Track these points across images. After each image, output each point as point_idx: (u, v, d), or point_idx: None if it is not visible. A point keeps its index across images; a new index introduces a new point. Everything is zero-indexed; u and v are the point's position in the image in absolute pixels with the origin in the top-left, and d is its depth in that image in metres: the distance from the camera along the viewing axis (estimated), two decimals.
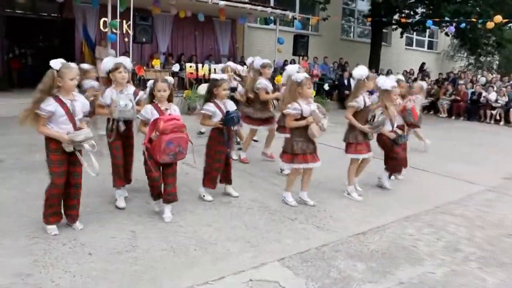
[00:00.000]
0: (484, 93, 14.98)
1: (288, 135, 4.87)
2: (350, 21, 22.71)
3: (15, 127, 6.35)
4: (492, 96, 14.61)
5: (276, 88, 6.70)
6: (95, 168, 3.69)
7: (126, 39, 12.57)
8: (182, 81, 13.96)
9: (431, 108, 16.12)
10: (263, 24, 17.33)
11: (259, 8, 14.51)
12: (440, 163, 7.42)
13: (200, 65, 14.16)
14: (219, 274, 3.24)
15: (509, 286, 3.36)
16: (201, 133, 8.53)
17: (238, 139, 7.39)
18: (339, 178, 5.60)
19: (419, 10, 19.56)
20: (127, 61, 4.54)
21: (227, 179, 5.01)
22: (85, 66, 6.22)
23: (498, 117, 14.49)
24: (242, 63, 15.78)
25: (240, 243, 3.81)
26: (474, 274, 3.48)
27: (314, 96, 7.43)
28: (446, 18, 16.61)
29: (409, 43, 25.00)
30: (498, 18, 14.64)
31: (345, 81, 15.82)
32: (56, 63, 3.57)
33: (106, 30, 12.44)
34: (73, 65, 3.66)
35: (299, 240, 3.93)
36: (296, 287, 3.15)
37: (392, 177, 6.05)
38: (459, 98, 15.61)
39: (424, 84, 7.47)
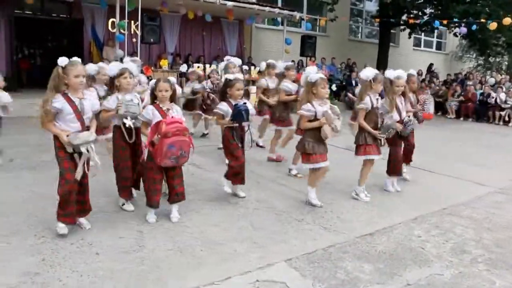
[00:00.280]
0: (493, 94, 14.86)
1: None
2: (358, 22, 22.64)
3: (24, 127, 6.44)
4: (501, 97, 14.49)
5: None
6: (97, 164, 3.71)
7: (134, 40, 12.64)
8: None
9: (439, 109, 16.03)
10: (271, 24, 17.32)
11: (267, 8, 14.51)
12: (448, 164, 7.37)
13: (208, 66, 14.19)
14: (226, 274, 3.23)
15: None
16: (204, 134, 8.55)
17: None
18: (346, 179, 5.58)
19: (428, 10, 19.44)
20: (133, 67, 4.44)
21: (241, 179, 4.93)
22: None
23: (507, 118, 14.37)
24: (250, 63, 15.83)
25: (247, 243, 3.81)
26: (482, 276, 3.45)
27: None
28: (455, 20, 16.50)
29: (417, 43, 24.88)
30: (507, 20, 14.52)
31: (353, 82, 15.78)
32: (62, 61, 3.60)
33: (114, 30, 12.50)
34: (78, 62, 3.66)
35: (306, 241, 3.92)
36: None
37: (407, 176, 6.04)
38: (467, 99, 15.51)
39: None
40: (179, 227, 4.08)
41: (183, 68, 10.12)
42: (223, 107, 4.72)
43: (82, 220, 3.91)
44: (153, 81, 4.28)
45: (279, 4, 17.75)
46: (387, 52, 20.38)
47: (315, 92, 4.53)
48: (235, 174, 4.82)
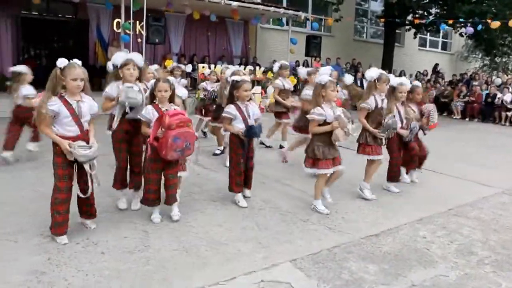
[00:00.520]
0: (499, 95, 14.78)
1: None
2: (363, 22, 22.60)
3: (28, 126, 6.45)
4: (508, 97, 14.40)
5: None
6: (97, 180, 3.70)
7: (139, 40, 12.67)
8: (194, 81, 14.03)
9: (445, 109, 15.97)
10: (276, 25, 17.33)
11: (272, 8, 14.52)
12: (453, 164, 7.34)
13: (212, 66, 14.22)
14: (230, 274, 3.24)
15: None
16: (204, 133, 8.52)
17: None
18: (351, 179, 5.57)
19: (433, 10, 19.37)
20: (138, 58, 4.37)
21: (246, 183, 4.89)
22: (153, 67, 6.19)
23: None
24: (255, 63, 15.84)
25: (252, 243, 3.81)
26: (488, 278, 3.43)
27: None
28: (461, 20, 16.42)
29: (422, 43, 24.81)
30: None
31: (358, 82, 15.75)
32: (61, 62, 3.50)
33: (120, 31, 12.55)
34: (77, 65, 3.53)
35: (311, 241, 3.91)
36: None
37: (408, 179, 6.03)
38: (473, 99, 15.43)
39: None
40: (184, 227, 4.09)
41: (188, 68, 10.15)
42: (231, 111, 4.64)
43: (87, 221, 3.91)
44: (152, 81, 4.25)
45: (284, 4, 17.75)
46: (392, 52, 20.34)
47: (324, 95, 4.49)
48: (238, 184, 4.76)
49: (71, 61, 3.55)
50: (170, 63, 12.91)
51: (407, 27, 20.21)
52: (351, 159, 5.37)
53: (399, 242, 4.02)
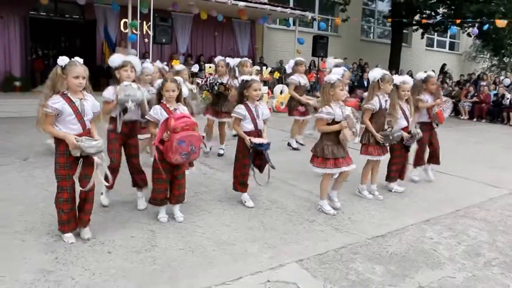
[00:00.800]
0: (507, 95, 14.67)
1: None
2: (370, 22, 22.54)
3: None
4: None
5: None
6: (108, 177, 3.70)
7: (146, 40, 12.73)
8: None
9: (452, 110, 15.83)
10: (283, 25, 17.32)
11: (279, 9, 14.52)
12: (460, 165, 7.30)
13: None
14: (237, 274, 3.24)
15: None
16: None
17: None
18: (358, 180, 5.55)
19: (441, 10, 19.27)
20: (136, 61, 4.39)
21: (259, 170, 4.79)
22: (178, 67, 6.18)
23: None
24: (262, 63, 15.83)
25: (258, 243, 3.81)
26: (496, 280, 3.41)
27: None
28: (469, 20, 16.31)
29: (430, 43, 24.70)
30: None
31: (365, 82, 15.71)
32: (62, 60, 3.48)
33: (127, 31, 12.61)
34: (78, 63, 3.50)
35: (317, 242, 3.91)
36: None
37: (417, 177, 6.03)
38: (481, 100, 15.33)
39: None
40: (190, 226, 4.10)
41: (195, 68, 10.15)
42: (241, 111, 4.62)
43: (81, 229, 3.73)
44: (160, 80, 4.28)
45: (291, 4, 17.74)
46: (399, 52, 20.26)
47: (332, 94, 4.48)
48: (242, 184, 4.75)
49: (72, 59, 3.54)
50: (177, 63, 12.98)
51: (414, 27, 20.13)
52: (356, 160, 5.35)
53: (406, 243, 4.01)
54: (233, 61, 6.99)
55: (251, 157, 4.59)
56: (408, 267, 3.53)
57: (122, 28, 13.86)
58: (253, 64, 11.76)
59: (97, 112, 3.72)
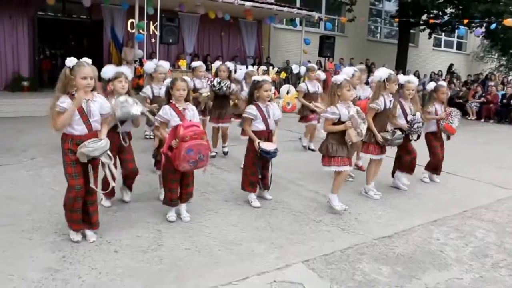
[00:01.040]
0: None
1: None
2: (377, 22, 22.46)
3: (45, 125, 6.54)
4: None
5: None
6: (114, 175, 3.71)
7: (153, 40, 12.77)
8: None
9: (460, 110, 15.75)
10: (289, 25, 17.31)
11: (285, 9, 14.51)
12: (467, 166, 7.25)
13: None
14: (243, 274, 3.24)
15: None
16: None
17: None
18: (364, 180, 5.53)
19: (448, 10, 19.17)
20: (128, 71, 4.40)
21: (264, 185, 4.87)
22: (194, 63, 6.32)
23: None
24: (268, 63, 15.83)
25: (264, 244, 3.81)
26: (504, 282, 3.38)
27: None
28: (476, 20, 16.20)
29: (437, 44, 24.57)
30: None
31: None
32: (70, 61, 3.47)
33: (134, 31, 12.66)
34: (86, 63, 3.48)
35: (324, 242, 3.90)
36: None
37: (427, 179, 6.04)
38: (489, 100, 15.22)
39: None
40: (197, 226, 4.10)
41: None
42: (252, 111, 4.62)
43: (87, 231, 3.70)
44: (169, 79, 4.29)
45: (298, 5, 17.72)
46: (406, 52, 20.18)
47: (339, 94, 4.48)
48: (251, 184, 4.75)
49: (80, 59, 3.53)
50: (184, 63, 13.02)
51: (422, 27, 20.03)
52: (363, 160, 5.34)
53: (413, 244, 3.99)
54: (239, 74, 7.11)
55: (259, 165, 4.66)
56: (415, 268, 3.52)
57: (129, 28, 13.92)
58: (260, 64, 11.75)
59: (107, 114, 3.70)
